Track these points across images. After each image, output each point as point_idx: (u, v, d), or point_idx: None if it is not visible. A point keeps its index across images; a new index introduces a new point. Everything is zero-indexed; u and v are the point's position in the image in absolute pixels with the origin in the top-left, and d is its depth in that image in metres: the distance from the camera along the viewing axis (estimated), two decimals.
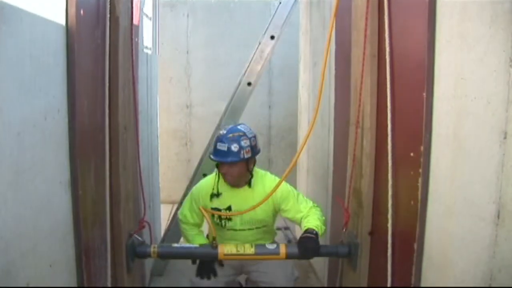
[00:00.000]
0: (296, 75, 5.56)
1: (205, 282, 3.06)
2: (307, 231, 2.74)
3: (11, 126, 1.44)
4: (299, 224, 2.92)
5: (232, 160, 2.80)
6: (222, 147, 2.81)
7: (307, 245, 2.68)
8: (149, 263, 4.02)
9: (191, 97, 6.92)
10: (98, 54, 2.29)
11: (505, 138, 1.42)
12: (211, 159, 2.87)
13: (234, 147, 2.80)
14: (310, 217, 2.85)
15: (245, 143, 2.83)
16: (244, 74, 4.32)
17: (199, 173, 4.15)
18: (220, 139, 2.84)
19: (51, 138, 1.77)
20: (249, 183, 2.94)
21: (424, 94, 1.86)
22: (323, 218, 2.88)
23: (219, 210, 2.95)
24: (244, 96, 4.31)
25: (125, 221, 2.57)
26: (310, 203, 2.96)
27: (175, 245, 2.82)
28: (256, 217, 2.93)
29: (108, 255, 2.34)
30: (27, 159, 1.56)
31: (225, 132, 2.88)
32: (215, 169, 3.03)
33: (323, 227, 2.83)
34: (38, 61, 1.66)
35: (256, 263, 3.09)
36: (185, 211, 3.00)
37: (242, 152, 2.81)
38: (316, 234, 2.72)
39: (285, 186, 2.93)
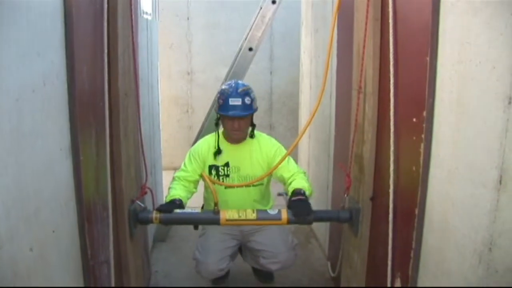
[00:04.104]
0: (297, 41, 5.50)
1: (211, 250, 3.14)
2: (295, 192, 2.81)
3: (9, 92, 1.42)
4: (285, 183, 3.04)
5: (249, 112, 2.93)
6: (236, 102, 2.89)
7: (298, 210, 2.72)
8: (151, 229, 4.06)
9: (192, 63, 6.86)
10: (97, 19, 2.25)
11: (509, 103, 1.39)
12: (227, 116, 2.92)
13: (247, 100, 2.93)
14: (298, 180, 2.94)
15: (253, 95, 2.98)
16: (245, 39, 4.28)
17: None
18: (231, 94, 2.91)
19: (51, 104, 1.75)
20: (251, 135, 3.06)
21: (428, 58, 1.83)
22: (310, 182, 2.99)
23: (217, 167, 3.03)
24: (246, 62, 4.28)
25: (127, 187, 2.58)
26: (298, 167, 3.08)
27: (177, 211, 2.83)
28: (252, 172, 3.04)
29: (110, 221, 2.35)
30: (26, 125, 1.55)
31: (231, 88, 2.95)
32: (219, 130, 3.11)
33: (311, 189, 2.93)
34: (35, 25, 1.62)
35: (255, 232, 3.18)
36: (186, 164, 3.12)
37: (253, 103, 2.94)
38: (304, 193, 2.80)
39: (279, 145, 3.11)
